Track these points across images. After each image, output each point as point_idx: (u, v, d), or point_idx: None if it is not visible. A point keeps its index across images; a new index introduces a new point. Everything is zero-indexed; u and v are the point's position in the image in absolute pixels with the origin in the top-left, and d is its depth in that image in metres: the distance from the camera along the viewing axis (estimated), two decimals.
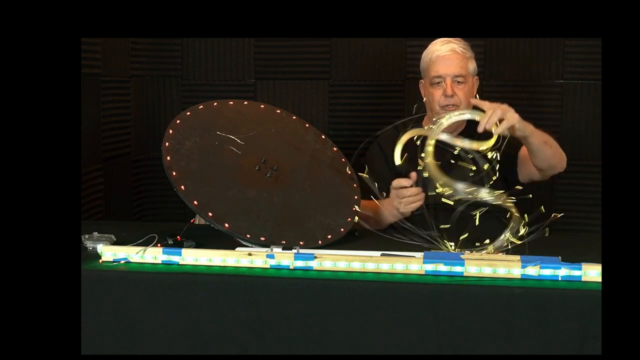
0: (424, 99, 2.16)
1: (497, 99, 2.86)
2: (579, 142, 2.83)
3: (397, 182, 1.91)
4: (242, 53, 2.92)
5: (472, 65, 2.10)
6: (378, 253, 1.52)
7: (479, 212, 1.67)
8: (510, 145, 1.84)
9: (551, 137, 2.00)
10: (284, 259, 1.50)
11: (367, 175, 1.79)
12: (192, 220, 2.10)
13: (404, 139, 1.80)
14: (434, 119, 1.83)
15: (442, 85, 2.06)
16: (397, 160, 1.78)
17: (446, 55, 2.06)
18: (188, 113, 1.86)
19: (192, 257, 1.52)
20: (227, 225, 1.64)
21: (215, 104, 1.94)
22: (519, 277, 1.43)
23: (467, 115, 1.84)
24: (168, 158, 1.72)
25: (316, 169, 1.91)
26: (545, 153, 1.93)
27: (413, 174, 1.87)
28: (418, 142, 1.79)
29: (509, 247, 1.61)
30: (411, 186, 1.88)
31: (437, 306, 1.38)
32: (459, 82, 2.05)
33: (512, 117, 1.79)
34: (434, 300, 1.39)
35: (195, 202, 1.66)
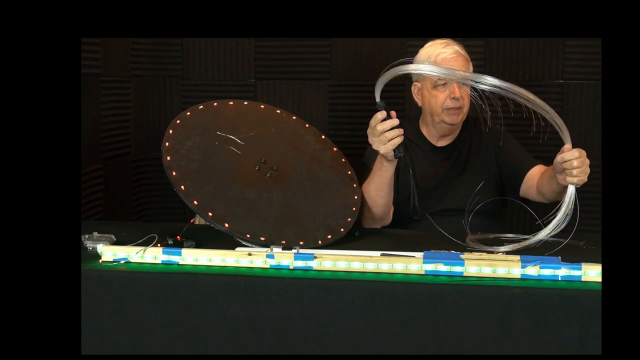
0: (419, 102, 2.15)
1: (497, 99, 2.89)
2: (579, 142, 2.83)
3: (374, 118, 1.81)
4: (242, 53, 2.92)
5: (471, 68, 2.10)
6: (378, 253, 1.52)
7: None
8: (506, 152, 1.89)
9: None
10: (284, 259, 1.50)
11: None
12: (192, 220, 2.10)
13: (385, 78, 1.72)
14: None
15: (448, 87, 2.04)
16: (377, 99, 1.75)
17: (452, 58, 2.04)
18: (188, 113, 1.86)
19: (192, 257, 1.52)
20: (227, 225, 1.64)
21: (215, 104, 1.94)
22: (519, 277, 1.43)
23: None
24: (168, 158, 1.72)
25: (316, 169, 1.90)
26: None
27: (393, 113, 1.79)
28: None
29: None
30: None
31: (437, 306, 1.38)
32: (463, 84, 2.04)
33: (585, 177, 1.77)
34: (434, 300, 1.38)
35: (195, 202, 1.66)
